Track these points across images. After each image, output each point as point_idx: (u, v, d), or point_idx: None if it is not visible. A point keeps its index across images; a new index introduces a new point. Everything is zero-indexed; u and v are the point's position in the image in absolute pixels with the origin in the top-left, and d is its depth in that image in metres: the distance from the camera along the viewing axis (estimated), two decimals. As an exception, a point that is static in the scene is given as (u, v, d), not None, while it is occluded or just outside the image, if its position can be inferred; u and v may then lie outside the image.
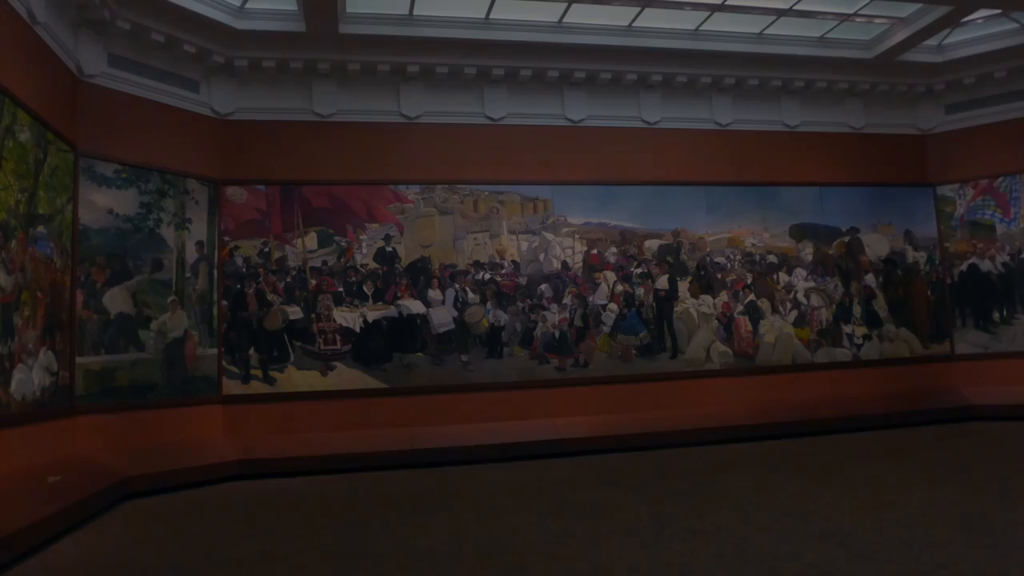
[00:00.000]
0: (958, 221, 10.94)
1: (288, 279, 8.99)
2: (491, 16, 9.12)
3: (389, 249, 9.31)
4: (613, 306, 9.74)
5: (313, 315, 8.93)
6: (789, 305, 10.38)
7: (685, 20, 9.61)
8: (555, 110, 9.91)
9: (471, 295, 9.38)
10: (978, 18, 9.98)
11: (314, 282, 9.01)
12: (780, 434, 9.25)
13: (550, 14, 9.22)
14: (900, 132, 11.16)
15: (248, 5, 8.56)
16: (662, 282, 9.95)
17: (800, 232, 10.64)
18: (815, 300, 10.48)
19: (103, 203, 7.77)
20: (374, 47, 9.06)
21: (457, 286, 9.36)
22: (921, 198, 11.09)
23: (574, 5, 8.96)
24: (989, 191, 10.74)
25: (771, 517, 5.05)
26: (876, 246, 10.85)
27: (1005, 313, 10.50)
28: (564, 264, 9.75)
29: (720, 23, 9.67)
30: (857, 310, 10.61)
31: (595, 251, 9.88)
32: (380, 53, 9.12)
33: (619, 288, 9.82)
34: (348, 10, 8.65)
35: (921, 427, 9.60)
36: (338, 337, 8.94)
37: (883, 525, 4.67)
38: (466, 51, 9.31)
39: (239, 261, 8.90)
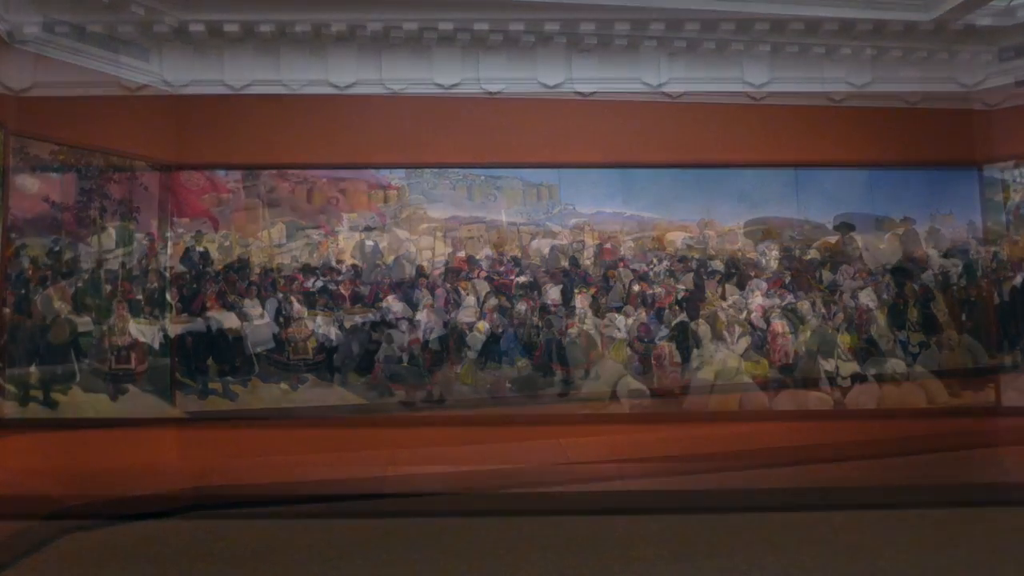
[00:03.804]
0: (1030, 209, 10.89)
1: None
2: (487, -30, 9.09)
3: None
4: (629, 309, 9.73)
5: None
6: (833, 308, 10.33)
7: (713, -24, 9.57)
8: (561, 78, 9.87)
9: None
10: (1054, -26, 9.94)
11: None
12: (823, 457, 9.19)
13: (556, -33, 9.19)
14: (962, 107, 11.09)
15: (206, -41, 8.55)
16: (687, 281, 9.92)
17: (846, 223, 10.60)
18: (864, 302, 10.43)
19: (37, 190, 7.76)
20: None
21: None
22: (987, 183, 11.02)
23: (584, -42, 8.94)
24: (1066, 175, 10.70)
25: (814, 553, 5.01)
26: (934, 239, 10.80)
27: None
28: (573, 260, 9.73)
29: (754, -20, 9.63)
30: (913, 314, 10.55)
31: (608, 246, 9.87)
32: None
33: (636, 288, 9.78)
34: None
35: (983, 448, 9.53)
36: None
37: (942, 565, 4.63)
38: (456, 9, 9.24)
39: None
